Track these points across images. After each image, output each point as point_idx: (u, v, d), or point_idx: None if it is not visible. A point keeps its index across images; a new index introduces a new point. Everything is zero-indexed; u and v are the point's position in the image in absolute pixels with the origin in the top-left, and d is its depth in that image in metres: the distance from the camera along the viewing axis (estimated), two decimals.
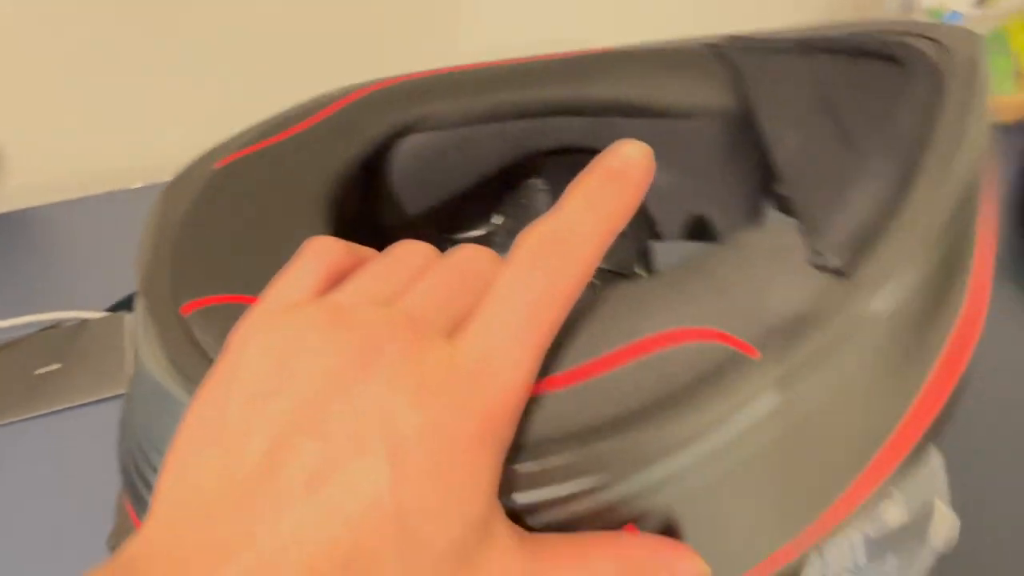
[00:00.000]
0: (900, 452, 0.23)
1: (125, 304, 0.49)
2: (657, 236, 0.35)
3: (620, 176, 0.20)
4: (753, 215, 0.34)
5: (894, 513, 0.37)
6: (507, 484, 0.18)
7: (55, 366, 0.45)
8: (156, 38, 0.58)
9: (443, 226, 0.35)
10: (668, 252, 0.40)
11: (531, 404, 0.19)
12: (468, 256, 0.20)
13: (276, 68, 0.60)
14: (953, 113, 0.24)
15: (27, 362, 0.46)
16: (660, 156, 0.30)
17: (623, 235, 0.28)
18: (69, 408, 0.44)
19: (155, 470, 0.23)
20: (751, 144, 0.30)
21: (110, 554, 0.25)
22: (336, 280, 0.21)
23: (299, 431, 0.18)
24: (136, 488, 0.24)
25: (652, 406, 0.19)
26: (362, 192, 0.31)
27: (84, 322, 0.48)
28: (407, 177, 0.32)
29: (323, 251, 0.21)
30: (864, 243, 0.21)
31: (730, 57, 0.31)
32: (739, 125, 0.30)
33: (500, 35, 0.64)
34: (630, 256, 0.32)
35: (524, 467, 0.19)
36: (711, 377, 0.19)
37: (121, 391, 0.44)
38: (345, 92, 0.32)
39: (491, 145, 0.31)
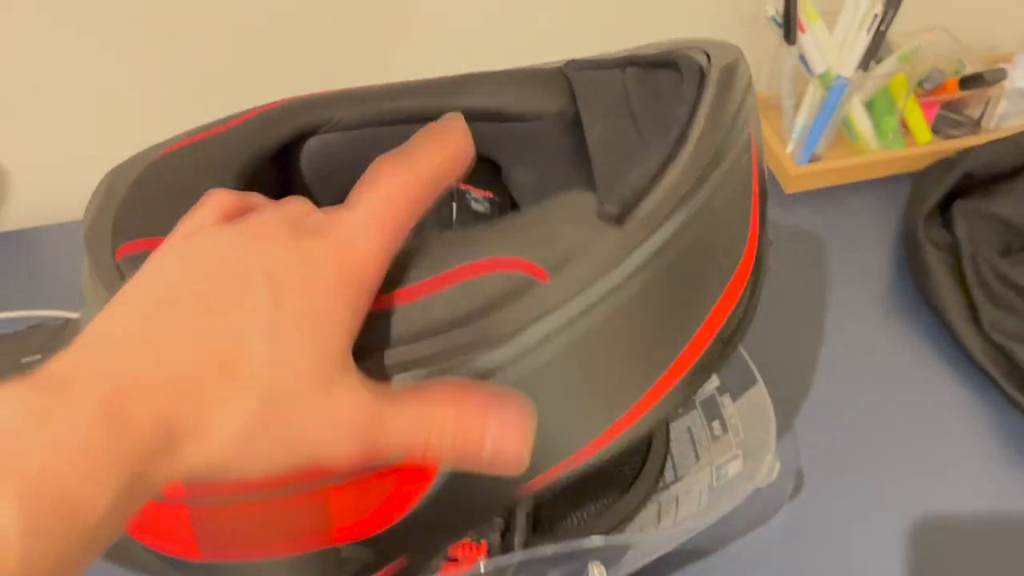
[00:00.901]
0: (681, 371, 0.31)
1: None
2: None
3: (445, 127, 0.28)
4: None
5: (735, 465, 0.44)
6: (370, 372, 0.25)
7: (37, 356, 0.53)
8: (163, 66, 0.63)
9: None
10: None
11: (384, 311, 0.26)
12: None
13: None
14: (709, 104, 0.32)
15: (14, 352, 0.53)
16: (514, 154, 0.39)
17: (484, 217, 0.39)
18: None
19: None
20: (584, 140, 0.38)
21: None
22: (230, 218, 0.26)
23: (198, 273, 0.23)
24: None
25: (471, 315, 0.27)
26: (277, 185, 0.38)
27: (66, 321, 0.55)
28: (313, 170, 0.38)
29: (219, 196, 0.27)
30: (635, 199, 0.29)
31: (567, 73, 0.38)
32: (573, 124, 0.37)
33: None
34: None
35: (382, 358, 0.26)
36: (512, 295, 0.27)
37: None
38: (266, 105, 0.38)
39: (378, 143, 0.35)
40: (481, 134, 0.36)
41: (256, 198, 0.28)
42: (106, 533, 0.20)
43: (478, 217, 0.39)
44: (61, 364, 0.21)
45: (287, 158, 0.37)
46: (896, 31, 0.65)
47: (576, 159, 0.38)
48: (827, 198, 0.68)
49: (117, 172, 0.34)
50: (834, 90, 0.66)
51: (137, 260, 0.28)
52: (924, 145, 0.70)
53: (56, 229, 0.65)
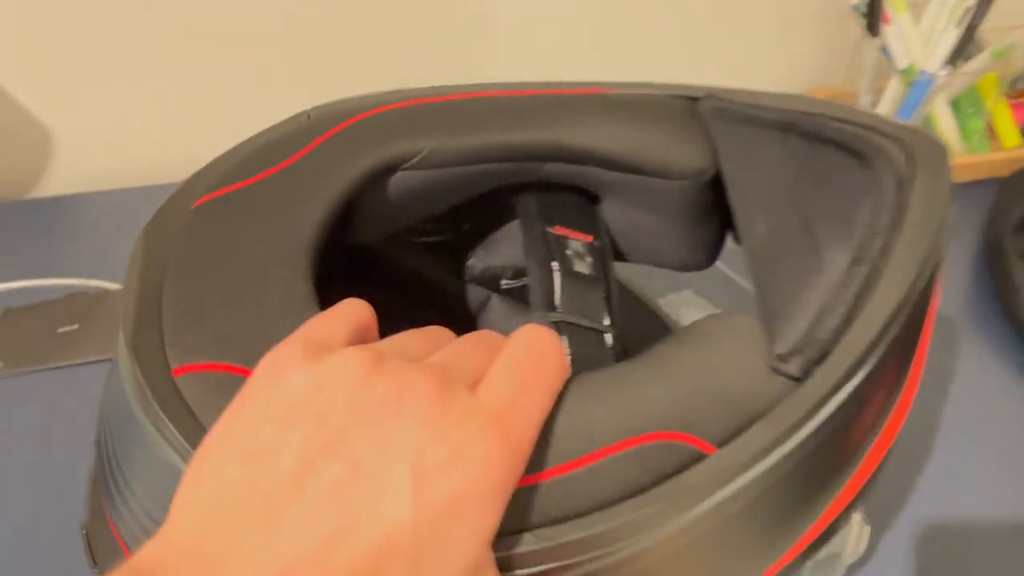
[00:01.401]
0: (828, 519, 0.26)
1: None
2: (621, 257, 0.36)
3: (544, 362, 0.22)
4: (711, 256, 0.36)
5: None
6: (506, 563, 0.20)
7: (75, 326, 0.52)
8: (217, 41, 0.62)
9: (412, 234, 0.37)
10: (629, 302, 0.43)
11: (526, 491, 0.21)
12: (483, 335, 0.23)
13: (314, 76, 0.65)
14: (914, 222, 0.25)
15: (51, 321, 0.52)
16: (633, 202, 0.33)
17: (590, 280, 0.32)
18: (84, 364, 0.50)
19: (148, 515, 0.23)
20: (716, 204, 0.32)
21: (84, 539, 0.27)
22: (362, 338, 0.22)
23: (329, 455, 0.18)
24: (117, 508, 0.24)
25: (624, 497, 0.21)
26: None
27: (104, 292, 0.54)
28: (387, 207, 0.31)
29: (358, 308, 0.22)
30: (821, 357, 0.23)
31: (707, 121, 0.31)
32: (707, 187, 0.31)
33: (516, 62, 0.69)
34: (598, 304, 0.32)
35: (520, 547, 0.20)
36: (672, 472, 0.22)
37: None
38: (329, 118, 0.31)
39: (476, 182, 0.32)
40: (593, 176, 0.32)
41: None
42: None
43: (582, 281, 0.32)
44: (159, 562, 0.18)
45: (354, 196, 0.30)
46: (988, 26, 0.61)
47: (702, 219, 0.33)
48: None
49: (151, 239, 0.27)
50: (917, 86, 0.62)
51: (203, 383, 0.23)
52: (1012, 150, 0.66)
53: (98, 196, 0.63)
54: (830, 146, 0.28)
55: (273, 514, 0.18)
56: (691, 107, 0.32)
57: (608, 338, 0.29)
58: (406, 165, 0.30)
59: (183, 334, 0.24)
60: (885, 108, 0.64)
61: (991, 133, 0.67)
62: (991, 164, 0.65)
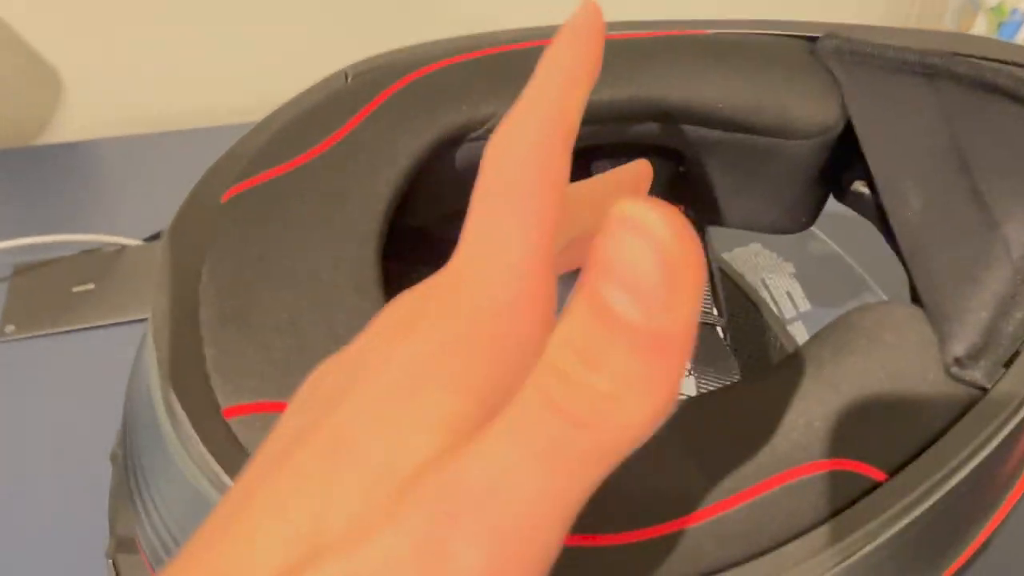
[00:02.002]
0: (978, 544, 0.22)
1: (160, 236, 0.51)
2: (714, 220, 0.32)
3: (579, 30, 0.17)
4: (813, 218, 0.31)
5: None
6: None
7: (90, 286, 0.48)
8: None
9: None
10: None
11: (673, 537, 0.17)
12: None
13: (337, 17, 0.61)
14: None
15: (65, 280, 0.48)
16: (737, 164, 0.28)
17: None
18: (101, 326, 0.47)
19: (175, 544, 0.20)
20: (836, 159, 0.27)
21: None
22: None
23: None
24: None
25: (785, 541, 0.18)
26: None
27: (122, 248, 0.50)
28: (451, 183, 0.27)
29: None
30: (1006, 352, 0.19)
31: (830, 66, 0.27)
32: (829, 145, 0.27)
33: None
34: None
35: None
36: (840, 507, 0.18)
37: (147, 317, 0.46)
38: (372, 80, 0.26)
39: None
40: (691, 136, 0.27)
41: None
42: None
43: None
44: None
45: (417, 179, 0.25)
46: None
47: (818, 181, 0.28)
48: None
49: (178, 243, 0.23)
50: (1008, 27, 0.57)
51: (263, 427, 0.19)
52: None
53: (114, 143, 0.59)
54: (996, 94, 0.23)
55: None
56: (809, 49, 0.27)
57: (719, 331, 0.25)
58: (473, 135, 0.25)
59: (232, 365, 0.20)
60: None
61: None
62: None
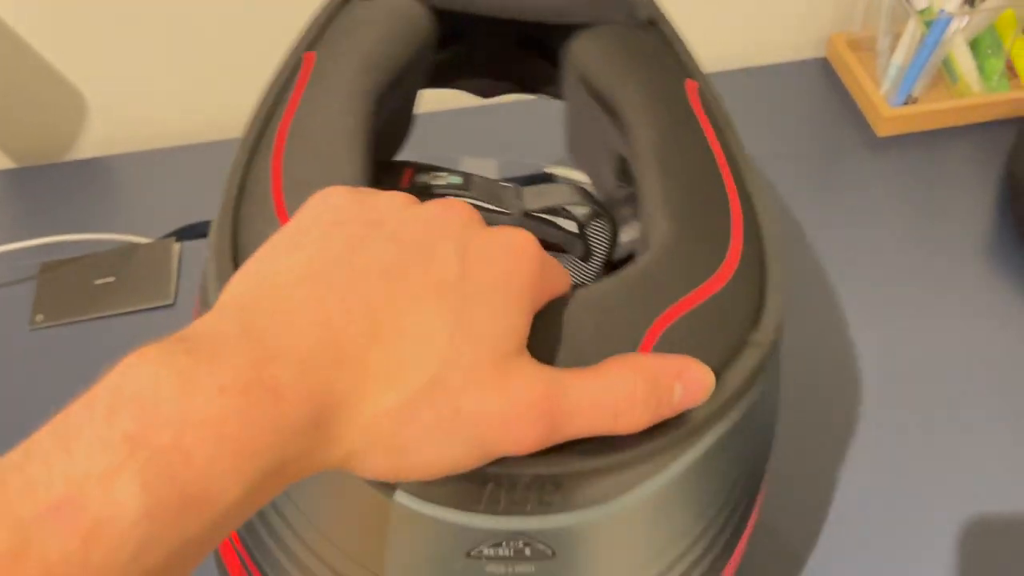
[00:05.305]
0: None
1: (172, 234, 0.56)
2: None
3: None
4: None
5: None
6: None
7: (111, 279, 0.53)
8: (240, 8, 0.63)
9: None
10: None
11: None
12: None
13: None
14: None
15: (88, 274, 0.54)
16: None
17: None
18: (119, 314, 0.52)
19: None
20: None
21: None
22: None
23: (379, 240, 0.20)
24: None
25: None
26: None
27: (138, 245, 0.55)
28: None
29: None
30: None
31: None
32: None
33: None
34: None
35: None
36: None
37: (163, 304, 0.52)
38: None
39: None
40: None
41: None
42: (228, 525, 0.17)
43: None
44: (210, 327, 0.18)
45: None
46: None
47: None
48: (923, 143, 0.64)
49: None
50: (936, 26, 0.62)
51: None
52: None
53: (131, 158, 0.64)
54: None
55: (322, 281, 0.19)
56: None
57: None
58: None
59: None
60: (903, 50, 0.64)
61: (1011, 72, 0.67)
62: (1011, 103, 0.64)
